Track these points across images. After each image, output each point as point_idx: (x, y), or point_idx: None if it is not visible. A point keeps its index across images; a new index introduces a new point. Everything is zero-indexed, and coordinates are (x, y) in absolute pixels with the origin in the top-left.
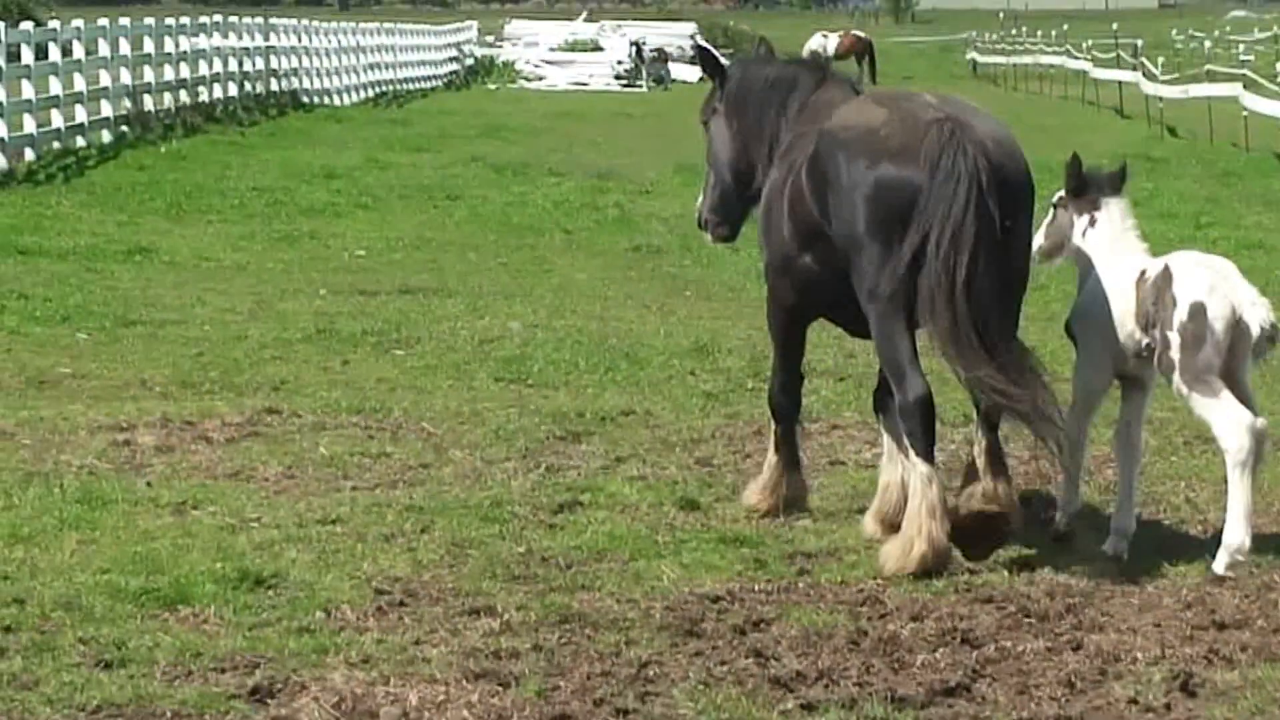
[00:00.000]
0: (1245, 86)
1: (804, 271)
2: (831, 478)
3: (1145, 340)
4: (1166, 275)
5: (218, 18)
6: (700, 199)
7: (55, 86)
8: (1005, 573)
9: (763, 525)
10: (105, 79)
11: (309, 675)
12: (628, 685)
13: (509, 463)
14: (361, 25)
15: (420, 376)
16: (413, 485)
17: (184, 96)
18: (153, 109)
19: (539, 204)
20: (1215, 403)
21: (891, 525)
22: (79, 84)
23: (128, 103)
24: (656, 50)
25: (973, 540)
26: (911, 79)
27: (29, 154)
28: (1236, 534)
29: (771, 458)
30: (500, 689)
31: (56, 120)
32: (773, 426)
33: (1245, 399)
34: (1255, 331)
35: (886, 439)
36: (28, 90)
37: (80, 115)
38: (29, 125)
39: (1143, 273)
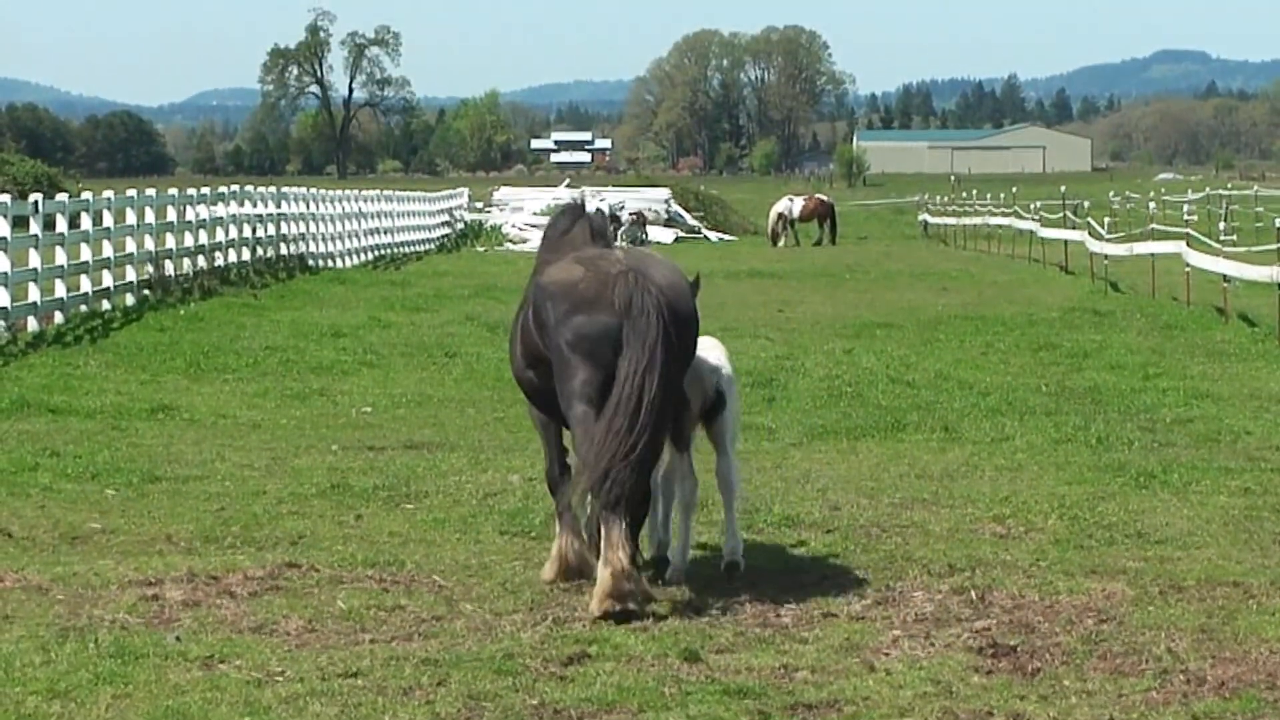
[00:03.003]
0: (1188, 244)
1: (529, 383)
2: (825, 629)
3: None
4: None
5: (235, 187)
6: None
7: (85, 253)
8: None
9: (763, 676)
10: (130, 245)
11: None
12: None
13: (517, 615)
14: (362, 193)
15: (430, 530)
16: (428, 638)
17: (201, 261)
18: (173, 273)
19: None
20: (678, 456)
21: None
22: (106, 250)
23: (150, 268)
24: (634, 214)
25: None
26: (866, 239)
27: (58, 317)
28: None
29: (558, 528)
30: None
31: (84, 285)
32: (555, 505)
33: (720, 452)
34: (711, 394)
35: (560, 514)
36: (60, 257)
37: (106, 280)
38: (60, 290)
39: None
